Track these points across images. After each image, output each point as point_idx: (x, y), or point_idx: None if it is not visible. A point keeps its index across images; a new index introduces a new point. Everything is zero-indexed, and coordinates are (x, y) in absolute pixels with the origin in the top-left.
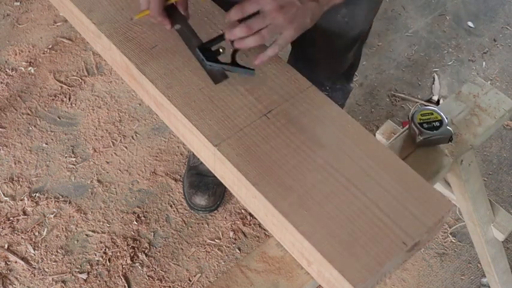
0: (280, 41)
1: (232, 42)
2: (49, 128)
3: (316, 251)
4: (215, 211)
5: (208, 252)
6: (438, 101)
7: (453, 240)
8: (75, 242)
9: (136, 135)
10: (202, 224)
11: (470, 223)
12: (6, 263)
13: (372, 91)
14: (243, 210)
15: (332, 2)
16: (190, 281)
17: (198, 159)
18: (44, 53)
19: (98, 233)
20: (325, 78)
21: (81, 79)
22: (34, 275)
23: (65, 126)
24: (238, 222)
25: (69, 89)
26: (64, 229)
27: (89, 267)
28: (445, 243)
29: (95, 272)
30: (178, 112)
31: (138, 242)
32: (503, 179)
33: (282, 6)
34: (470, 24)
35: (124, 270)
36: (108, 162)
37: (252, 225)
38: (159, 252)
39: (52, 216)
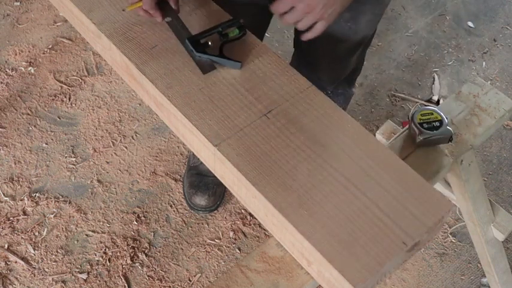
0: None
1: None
2: (49, 128)
3: (316, 251)
4: (215, 211)
5: (208, 252)
6: (438, 101)
7: (453, 240)
8: (75, 242)
9: (136, 135)
10: (202, 224)
11: (470, 223)
12: (6, 263)
13: (372, 91)
14: (243, 210)
15: None
16: (190, 281)
17: (198, 159)
18: (44, 53)
19: (98, 233)
20: (327, 83)
21: (81, 79)
22: (34, 275)
23: (65, 126)
24: (238, 222)
25: (69, 89)
26: (64, 229)
27: (89, 267)
28: (445, 243)
29: (95, 272)
30: (178, 112)
31: (138, 242)
32: (503, 179)
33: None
34: (470, 24)
35: (124, 270)
36: (108, 162)
37: (252, 225)
38: (159, 252)
39: (52, 216)
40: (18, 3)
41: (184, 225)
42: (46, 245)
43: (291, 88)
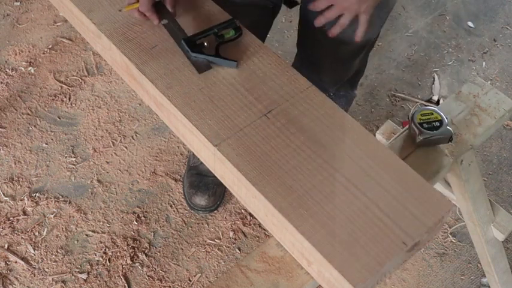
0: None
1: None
2: (49, 128)
3: (316, 251)
4: (215, 211)
5: (208, 252)
6: (438, 101)
7: (453, 240)
8: (75, 242)
9: (136, 135)
10: (202, 224)
11: (470, 223)
12: (6, 263)
13: (372, 91)
14: (243, 210)
15: None
16: (190, 281)
17: (198, 159)
18: (44, 53)
19: (98, 233)
20: (330, 85)
21: (81, 79)
22: (34, 275)
23: (65, 126)
24: (238, 222)
25: (69, 89)
26: (64, 229)
27: (89, 267)
28: (445, 243)
29: (95, 272)
30: (178, 112)
31: (138, 242)
32: (503, 179)
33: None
34: (470, 24)
35: (124, 270)
36: (108, 162)
37: (252, 225)
38: (159, 252)
39: (52, 216)
40: (18, 3)
41: (184, 225)
42: (46, 245)
43: (291, 88)
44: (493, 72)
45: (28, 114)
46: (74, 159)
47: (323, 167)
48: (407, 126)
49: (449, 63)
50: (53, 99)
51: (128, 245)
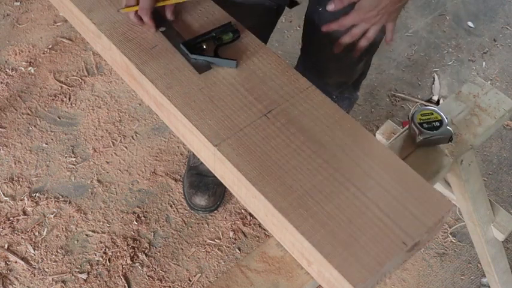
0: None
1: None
2: (49, 128)
3: (316, 251)
4: (215, 211)
5: (208, 252)
6: (438, 101)
7: (453, 240)
8: (75, 242)
9: (136, 135)
10: (202, 224)
11: (470, 223)
12: (6, 263)
13: (372, 91)
14: (243, 210)
15: None
16: (190, 281)
17: (198, 159)
18: (44, 53)
19: (98, 233)
20: (333, 88)
21: (81, 79)
22: (34, 275)
23: (65, 126)
24: (238, 222)
25: (69, 89)
26: (64, 229)
27: (89, 267)
28: (445, 243)
29: (95, 272)
30: (178, 112)
31: (138, 242)
32: (503, 179)
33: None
34: (470, 24)
35: (124, 270)
36: (108, 162)
37: (252, 225)
38: (159, 252)
39: (52, 216)
40: (18, 3)
41: (184, 225)
42: (46, 245)
43: (291, 88)
44: (493, 72)
45: (28, 114)
46: (74, 159)
47: (323, 167)
48: (407, 126)
49: (449, 63)
50: (53, 99)
51: (127, 245)
